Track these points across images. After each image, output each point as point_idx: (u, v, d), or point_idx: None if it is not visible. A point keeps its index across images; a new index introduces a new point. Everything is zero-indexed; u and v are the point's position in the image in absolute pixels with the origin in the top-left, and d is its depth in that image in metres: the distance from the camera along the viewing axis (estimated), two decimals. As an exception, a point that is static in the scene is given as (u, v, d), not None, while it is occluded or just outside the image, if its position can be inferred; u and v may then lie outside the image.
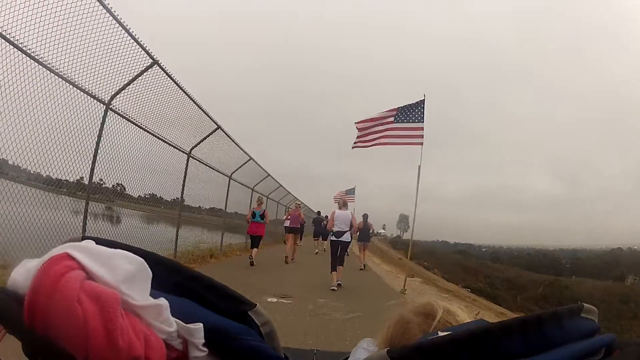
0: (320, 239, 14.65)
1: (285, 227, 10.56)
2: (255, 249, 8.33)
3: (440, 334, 0.43)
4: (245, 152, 10.98)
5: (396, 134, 7.29)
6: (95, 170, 5.16)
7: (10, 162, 4.09)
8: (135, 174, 6.21)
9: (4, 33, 3.63)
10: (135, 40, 4.96)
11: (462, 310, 0.57)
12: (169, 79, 6.02)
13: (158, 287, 0.40)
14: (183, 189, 7.86)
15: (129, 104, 5.63)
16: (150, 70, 5.48)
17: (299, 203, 12.58)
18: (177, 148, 7.41)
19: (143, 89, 5.67)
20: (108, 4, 4.40)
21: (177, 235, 7.82)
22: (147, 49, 5.18)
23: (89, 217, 5.19)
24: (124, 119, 5.56)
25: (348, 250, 8.56)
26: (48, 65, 4.04)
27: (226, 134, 9.07)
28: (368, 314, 4.67)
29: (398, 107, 7.25)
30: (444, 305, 0.57)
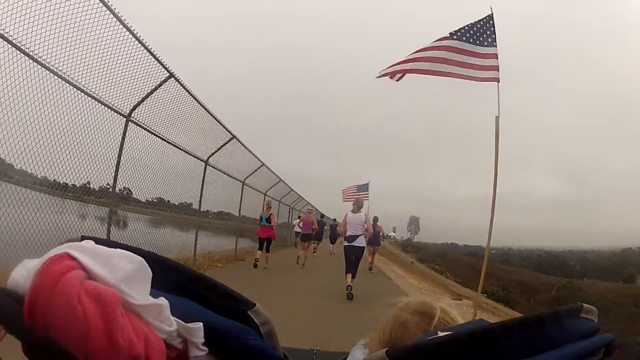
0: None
1: (296, 232, 10.58)
2: (260, 252, 8.57)
3: (440, 333, 0.44)
4: (258, 159, 11.27)
5: (460, 59, 4.64)
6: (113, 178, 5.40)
7: (41, 174, 4.33)
8: (156, 181, 6.50)
9: (31, 53, 3.85)
10: (152, 55, 5.16)
11: (454, 309, 0.58)
12: (182, 88, 6.22)
13: (158, 286, 0.40)
14: (201, 196, 8.14)
15: (148, 115, 5.86)
16: (166, 82, 5.68)
17: (311, 209, 12.46)
18: (195, 157, 7.67)
19: (160, 100, 5.90)
20: (125, 20, 4.60)
21: (196, 240, 8.08)
22: (163, 62, 5.37)
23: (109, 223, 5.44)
24: (144, 130, 5.80)
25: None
26: (77, 84, 4.35)
27: (241, 143, 9.40)
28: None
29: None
30: (440, 304, 0.58)
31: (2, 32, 3.54)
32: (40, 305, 0.31)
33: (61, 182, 4.39)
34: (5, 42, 3.56)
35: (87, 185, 5.27)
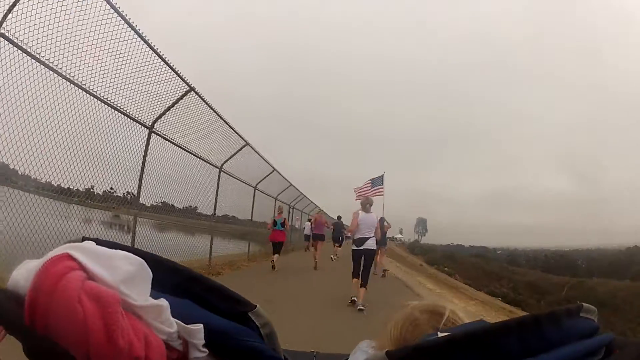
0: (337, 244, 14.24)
1: (306, 235, 10.64)
2: (276, 255, 8.79)
3: (440, 334, 0.44)
4: (269, 164, 11.67)
5: (371, 191, 12.09)
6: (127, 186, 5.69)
7: (76, 186, 4.63)
8: (176, 189, 6.83)
9: (64, 73, 4.16)
10: (173, 70, 5.44)
11: (460, 311, 0.59)
12: (197, 99, 6.45)
13: (158, 287, 0.40)
14: (216, 201, 8.41)
15: (167, 125, 6.16)
16: (186, 95, 6.01)
17: (321, 210, 12.79)
18: (210, 163, 7.97)
19: (179, 111, 6.20)
20: (147, 38, 4.89)
21: (211, 244, 8.39)
22: (183, 76, 5.65)
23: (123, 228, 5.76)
24: (166, 140, 6.12)
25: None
26: (110, 102, 4.69)
27: (254, 149, 9.78)
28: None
29: (371, 179, 12.59)
30: (450, 306, 0.59)
31: (35, 53, 3.80)
32: (41, 306, 0.31)
33: (100, 192, 4.74)
34: (43, 66, 3.87)
35: (112, 191, 5.58)
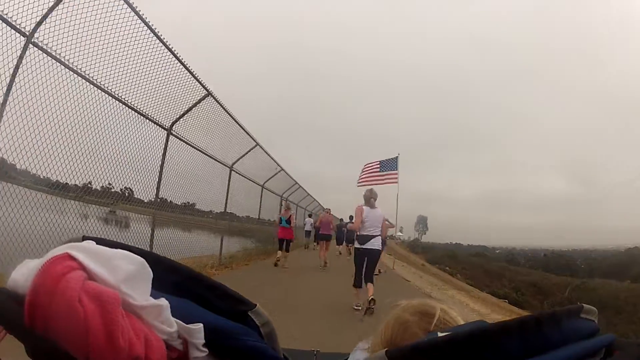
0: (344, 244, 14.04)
1: (307, 231, 10.58)
2: (280, 251, 8.96)
3: (440, 334, 0.44)
4: (277, 164, 11.94)
5: (381, 177, 10.54)
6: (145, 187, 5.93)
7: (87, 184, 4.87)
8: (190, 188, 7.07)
9: (88, 76, 4.39)
10: (193, 75, 5.67)
11: (452, 309, 0.59)
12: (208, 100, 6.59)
13: (158, 287, 0.40)
14: (227, 200, 8.65)
15: (183, 127, 6.39)
16: (204, 99, 6.25)
17: (329, 208, 12.20)
18: (222, 163, 8.20)
19: (195, 113, 6.43)
20: (170, 44, 5.13)
21: (222, 242, 8.68)
22: (201, 81, 5.87)
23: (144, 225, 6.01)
24: (182, 142, 6.35)
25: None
26: (132, 105, 4.93)
27: (263, 149, 10.06)
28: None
29: (380, 161, 10.56)
30: (440, 305, 0.59)
31: (64, 59, 3.94)
32: (41, 306, 0.32)
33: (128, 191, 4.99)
34: (71, 72, 4.05)
35: (130, 191, 5.83)
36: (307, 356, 0.96)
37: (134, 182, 5.73)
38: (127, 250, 0.39)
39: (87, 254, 0.35)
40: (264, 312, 0.50)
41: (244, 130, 8.27)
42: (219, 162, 8.00)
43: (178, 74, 5.63)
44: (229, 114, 7.19)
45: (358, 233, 5.21)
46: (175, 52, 5.19)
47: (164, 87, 5.51)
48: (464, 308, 7.93)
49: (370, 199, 5.23)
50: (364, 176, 10.98)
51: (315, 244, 15.15)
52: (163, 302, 0.38)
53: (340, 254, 14.02)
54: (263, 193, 11.71)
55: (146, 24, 4.52)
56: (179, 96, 5.92)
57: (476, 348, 0.37)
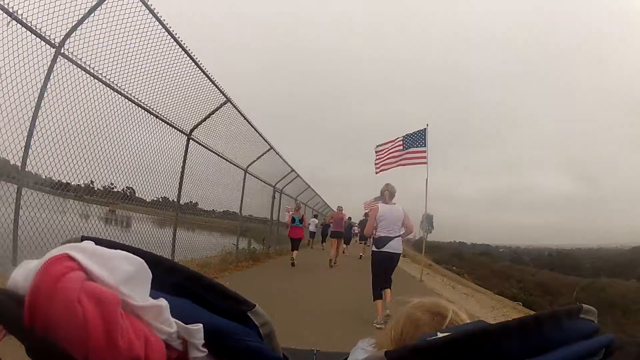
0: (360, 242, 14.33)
1: (311, 232, 10.63)
2: (295, 251, 9.04)
3: (439, 335, 0.44)
4: (289, 166, 12.16)
5: (406, 156, 8.54)
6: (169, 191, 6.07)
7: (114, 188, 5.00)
8: (209, 191, 7.35)
9: (116, 86, 4.53)
10: (213, 83, 5.84)
11: (462, 311, 0.58)
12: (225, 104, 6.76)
13: (157, 287, 0.40)
14: (242, 201, 8.80)
15: (201, 131, 6.54)
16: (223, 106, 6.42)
17: (341, 207, 11.88)
18: (237, 166, 8.44)
19: (213, 117, 6.58)
20: (191, 52, 5.25)
21: (237, 241, 8.96)
22: (221, 88, 6.05)
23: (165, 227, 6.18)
24: (201, 146, 6.54)
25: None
26: (155, 112, 5.06)
27: (277, 153, 10.24)
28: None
29: (403, 136, 8.53)
30: (452, 306, 0.59)
31: (90, 69, 4.09)
32: (40, 306, 0.32)
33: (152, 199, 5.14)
34: (97, 81, 4.20)
35: (112, 187, 5.84)
36: (306, 355, 0.95)
37: (155, 185, 5.86)
38: (126, 250, 0.39)
39: (86, 254, 0.35)
40: (263, 312, 0.50)
41: (260, 135, 8.52)
42: (234, 164, 8.22)
43: (198, 80, 5.77)
44: (247, 120, 7.44)
45: (375, 235, 4.60)
46: (198, 61, 5.36)
47: (185, 93, 5.66)
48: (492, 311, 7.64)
49: (385, 193, 4.64)
50: (383, 158, 8.73)
51: (322, 243, 15.12)
52: (162, 302, 0.39)
53: (344, 252, 13.99)
54: (274, 194, 11.93)
55: (171, 34, 4.68)
56: (199, 102, 6.08)
57: (476, 348, 0.37)
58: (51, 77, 3.62)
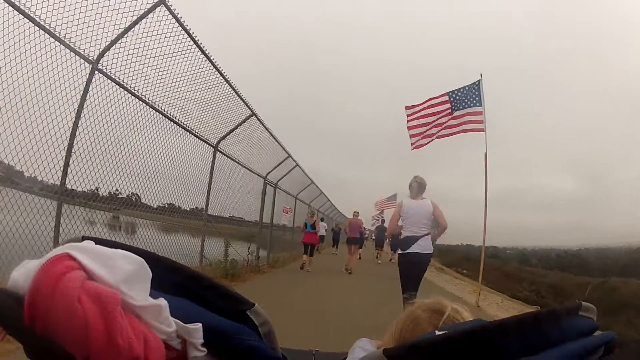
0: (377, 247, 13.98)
1: (320, 236, 10.58)
2: (305, 255, 9.14)
3: (438, 332, 0.44)
4: (307, 176, 12.51)
5: (455, 122, 6.08)
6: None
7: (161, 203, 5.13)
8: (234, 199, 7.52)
9: (150, 101, 4.65)
10: (241, 98, 6.04)
11: (466, 310, 0.58)
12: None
13: (157, 287, 0.40)
14: (262, 209, 8.92)
15: (226, 142, 6.67)
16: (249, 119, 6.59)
17: (357, 212, 11.70)
18: (256, 174, 8.52)
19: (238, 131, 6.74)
20: (219, 66, 5.37)
21: (258, 248, 8.75)
22: (246, 101, 6.22)
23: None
24: (227, 157, 6.73)
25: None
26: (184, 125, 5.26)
27: (294, 161, 10.40)
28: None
29: (449, 92, 6.03)
30: (452, 304, 0.59)
31: (125, 83, 4.20)
32: (40, 306, 0.32)
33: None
34: (131, 95, 4.33)
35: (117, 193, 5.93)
36: (305, 355, 0.95)
37: (186, 196, 5.93)
38: (127, 250, 0.40)
39: (86, 253, 0.35)
40: (262, 311, 0.50)
41: (280, 145, 8.72)
42: (255, 173, 8.39)
43: (225, 95, 5.93)
44: (270, 133, 7.66)
45: (401, 235, 4.03)
46: (227, 78, 5.54)
47: (211, 107, 5.81)
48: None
49: (412, 186, 4.02)
50: (421, 126, 6.03)
51: (334, 248, 15.04)
52: (162, 302, 0.39)
53: (359, 257, 13.81)
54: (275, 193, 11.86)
55: (205, 54, 4.83)
56: (224, 115, 6.23)
57: (475, 346, 0.37)
58: (89, 92, 3.70)
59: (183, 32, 4.43)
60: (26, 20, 3.01)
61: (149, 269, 0.39)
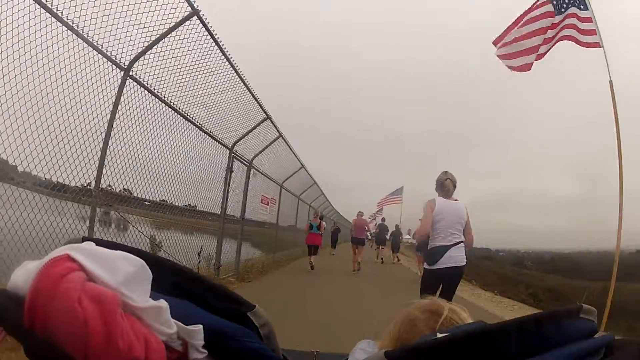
0: (381, 247, 13.73)
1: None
2: (313, 256, 9.19)
3: (439, 335, 0.44)
4: (318, 187, 13.07)
5: (563, 29, 4.48)
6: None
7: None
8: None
9: (178, 108, 4.73)
10: (258, 103, 6.12)
11: (464, 311, 0.58)
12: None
13: (158, 288, 0.40)
14: (278, 212, 9.22)
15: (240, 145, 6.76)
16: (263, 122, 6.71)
17: (361, 212, 11.49)
18: (273, 181, 8.73)
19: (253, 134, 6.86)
20: (241, 71, 5.46)
21: (274, 247, 9.45)
22: (261, 104, 6.31)
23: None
24: (242, 160, 6.80)
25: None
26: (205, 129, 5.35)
27: (307, 172, 10.83)
28: None
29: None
30: (449, 305, 0.59)
31: (154, 89, 4.26)
32: (41, 307, 0.32)
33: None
34: (159, 100, 4.40)
35: (110, 188, 5.90)
36: (306, 357, 0.94)
37: (205, 198, 5.97)
38: (127, 251, 0.40)
39: (86, 255, 0.35)
40: (263, 313, 0.50)
41: (294, 153, 8.94)
42: (271, 179, 8.50)
43: (242, 99, 5.97)
44: (283, 138, 7.67)
45: (430, 246, 3.22)
46: (249, 86, 5.65)
47: (229, 111, 5.87)
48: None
49: (444, 183, 3.23)
50: (521, 41, 4.58)
51: (332, 249, 14.99)
52: (162, 303, 0.39)
53: (381, 261, 13.65)
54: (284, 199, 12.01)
55: (234, 67, 4.95)
56: (240, 118, 6.28)
57: (475, 348, 0.37)
58: (121, 97, 3.76)
59: (213, 43, 4.49)
60: (64, 27, 3.02)
61: (150, 271, 0.39)
